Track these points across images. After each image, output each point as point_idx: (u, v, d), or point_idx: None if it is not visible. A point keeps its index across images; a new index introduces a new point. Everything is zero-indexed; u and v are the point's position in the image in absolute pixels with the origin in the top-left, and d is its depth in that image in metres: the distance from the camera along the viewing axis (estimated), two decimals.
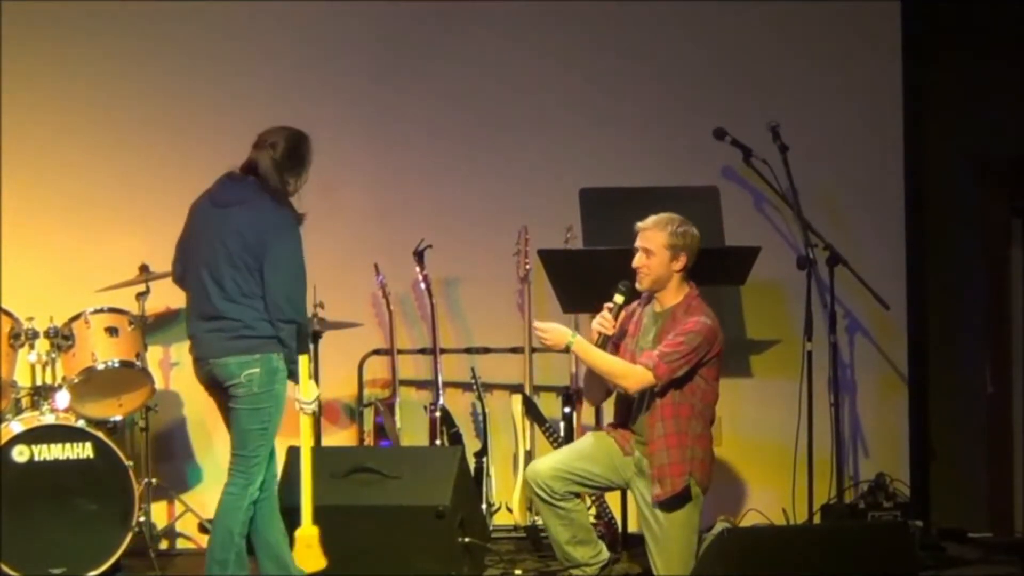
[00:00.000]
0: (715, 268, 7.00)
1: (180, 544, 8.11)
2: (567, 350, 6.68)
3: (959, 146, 8.28)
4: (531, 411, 7.86)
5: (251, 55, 8.26)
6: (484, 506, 7.78)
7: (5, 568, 7.06)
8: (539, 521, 7.41)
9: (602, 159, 8.20)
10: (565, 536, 6.74)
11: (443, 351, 8.08)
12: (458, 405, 8.19)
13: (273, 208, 6.31)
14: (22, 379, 7.60)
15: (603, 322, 6.68)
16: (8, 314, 7.47)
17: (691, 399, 6.65)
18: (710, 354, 6.63)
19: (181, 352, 8.18)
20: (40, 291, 7.92)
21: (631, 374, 6.61)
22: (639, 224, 6.72)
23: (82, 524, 7.20)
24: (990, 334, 8.34)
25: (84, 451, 7.23)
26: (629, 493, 6.97)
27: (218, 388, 6.42)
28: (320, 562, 6.51)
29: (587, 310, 6.86)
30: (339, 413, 8.28)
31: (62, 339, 7.52)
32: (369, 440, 8.03)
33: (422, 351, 8.20)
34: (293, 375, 6.39)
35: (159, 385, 7.88)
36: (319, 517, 6.55)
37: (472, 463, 7.73)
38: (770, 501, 8.04)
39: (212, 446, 8.19)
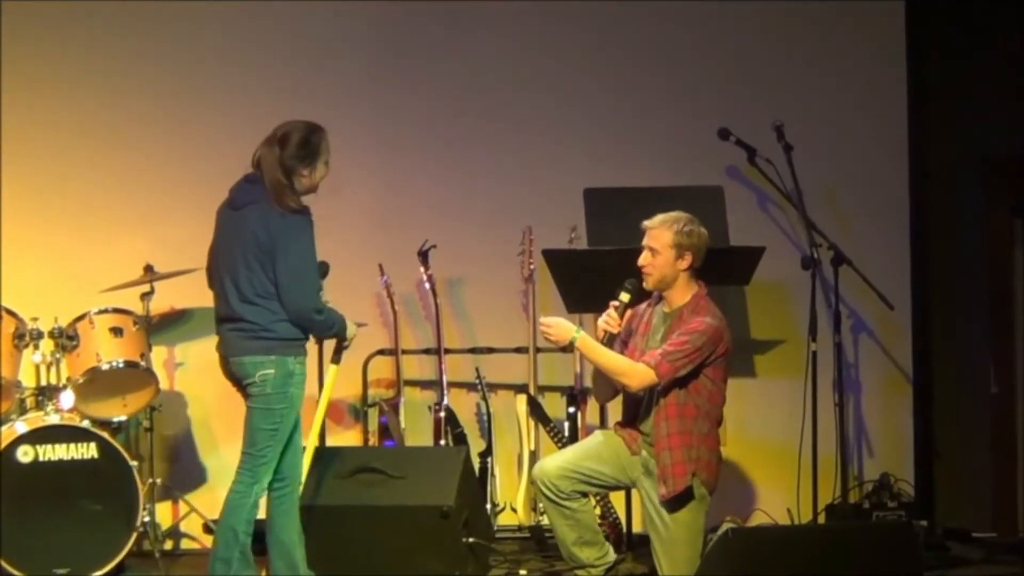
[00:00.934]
0: (719, 268, 6.99)
1: (184, 544, 8.12)
2: (571, 345, 6.67)
3: (963, 146, 8.28)
4: (535, 411, 7.86)
5: (253, 56, 8.26)
6: (488, 506, 7.78)
7: (10, 568, 7.07)
8: (544, 521, 7.42)
9: (606, 159, 8.21)
10: (571, 536, 6.74)
11: (447, 351, 8.09)
12: (462, 405, 8.19)
13: (278, 206, 6.32)
14: (27, 379, 7.60)
15: (609, 320, 6.67)
16: (12, 314, 7.48)
17: (696, 399, 6.64)
18: (715, 354, 6.63)
19: (186, 352, 8.21)
20: (44, 291, 7.93)
21: (634, 372, 6.60)
22: (646, 222, 6.72)
23: (86, 524, 7.21)
24: (994, 334, 8.34)
25: (88, 451, 7.24)
26: (634, 493, 6.97)
27: (239, 385, 6.46)
28: None
29: (591, 310, 6.86)
30: (344, 413, 8.29)
31: (67, 339, 7.53)
32: (374, 440, 8.04)
33: (426, 351, 8.21)
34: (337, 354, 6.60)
35: (164, 385, 7.89)
36: (324, 517, 6.55)
37: (476, 463, 7.74)
38: (775, 501, 8.04)
39: (216, 446, 8.21)
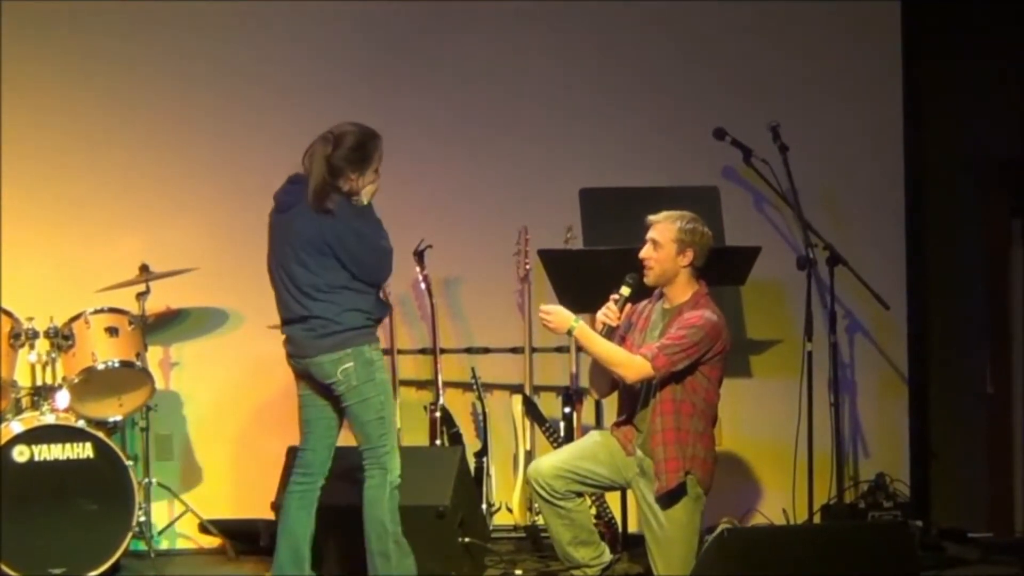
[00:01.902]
0: (715, 268, 6.99)
1: (180, 544, 8.11)
2: (569, 334, 6.67)
3: (959, 146, 8.28)
4: (531, 411, 7.86)
5: (251, 57, 8.25)
6: (484, 506, 7.78)
7: (5, 568, 7.06)
8: (539, 521, 7.42)
9: (602, 159, 8.20)
10: (567, 537, 6.73)
11: (443, 351, 8.08)
12: (458, 405, 8.19)
13: (315, 206, 6.32)
14: (22, 379, 7.61)
15: (608, 313, 6.68)
16: (8, 314, 7.47)
17: (692, 397, 6.65)
18: (712, 351, 6.63)
19: (181, 352, 8.21)
20: (40, 291, 7.92)
21: (630, 364, 6.60)
22: (651, 217, 6.73)
23: (82, 524, 7.20)
24: (990, 334, 8.34)
25: (84, 451, 7.23)
26: (630, 493, 6.97)
27: (315, 382, 6.44)
28: None
29: (587, 310, 6.86)
30: None
31: (62, 339, 7.53)
32: None
33: (422, 351, 8.20)
34: None
35: (159, 385, 7.89)
36: (320, 517, 6.55)
37: (472, 463, 7.74)
38: (770, 501, 8.04)
39: (212, 446, 8.21)
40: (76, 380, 7.48)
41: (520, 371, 7.98)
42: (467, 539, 7.05)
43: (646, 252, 6.70)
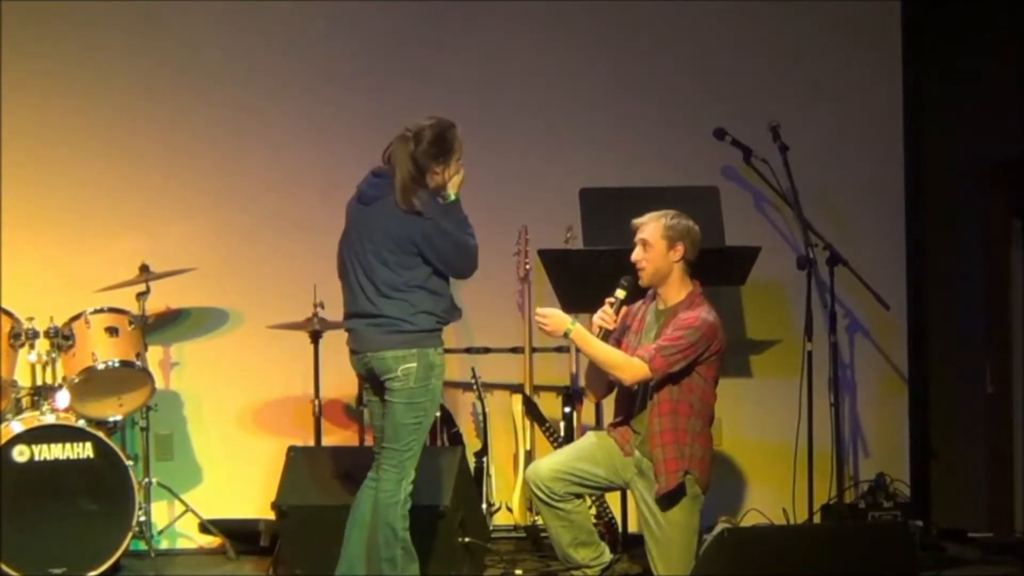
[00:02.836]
0: (715, 268, 7.00)
1: (180, 544, 8.11)
2: (566, 337, 6.67)
3: (959, 146, 8.28)
4: (531, 411, 7.86)
5: (252, 56, 8.25)
6: (484, 506, 7.78)
7: (5, 568, 7.06)
8: (539, 521, 7.42)
9: (602, 159, 8.20)
10: (567, 538, 6.73)
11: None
12: (458, 405, 8.19)
13: (402, 204, 6.29)
14: (22, 379, 7.60)
15: (604, 316, 6.68)
16: (8, 314, 7.47)
17: (689, 397, 6.65)
18: (709, 351, 6.63)
19: (181, 352, 8.21)
20: (40, 291, 7.92)
21: (628, 366, 6.61)
22: (635, 220, 6.75)
23: (82, 524, 7.20)
24: (990, 334, 8.34)
25: (84, 451, 7.23)
26: (629, 493, 6.97)
27: (374, 381, 6.41)
28: None
29: (587, 310, 6.86)
30: (339, 413, 8.28)
31: (62, 339, 7.53)
32: (369, 440, 8.02)
33: None
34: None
35: (159, 385, 7.88)
36: (320, 517, 6.54)
37: (472, 463, 7.73)
38: (770, 501, 8.03)
39: (212, 446, 8.21)
40: (76, 380, 7.48)
41: (520, 371, 7.98)
42: (467, 539, 7.04)
43: (637, 254, 6.71)
